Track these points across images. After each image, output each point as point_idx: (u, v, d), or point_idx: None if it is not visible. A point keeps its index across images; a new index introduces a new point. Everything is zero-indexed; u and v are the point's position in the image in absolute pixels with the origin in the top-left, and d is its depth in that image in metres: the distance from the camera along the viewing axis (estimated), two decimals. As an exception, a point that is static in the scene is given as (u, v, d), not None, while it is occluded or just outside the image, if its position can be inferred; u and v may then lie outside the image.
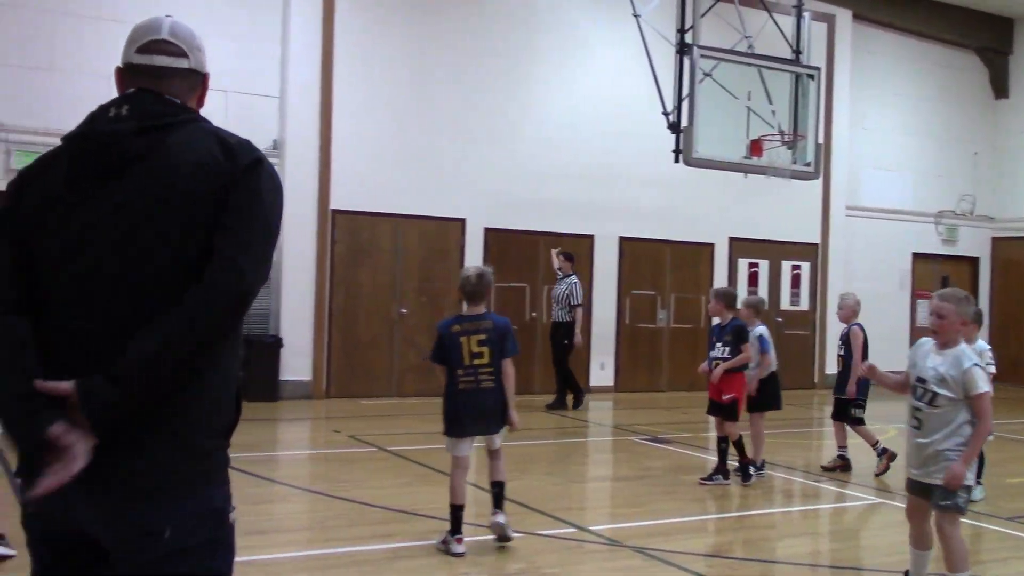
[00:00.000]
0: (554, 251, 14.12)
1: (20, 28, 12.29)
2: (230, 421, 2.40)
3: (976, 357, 5.12)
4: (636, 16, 12.75)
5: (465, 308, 6.41)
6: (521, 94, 15.18)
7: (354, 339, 14.00)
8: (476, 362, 6.14)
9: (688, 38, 12.20)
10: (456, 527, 6.07)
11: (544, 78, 15.36)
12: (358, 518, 7.03)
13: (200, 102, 2.60)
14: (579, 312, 13.48)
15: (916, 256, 19.48)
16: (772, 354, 8.92)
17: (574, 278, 13.58)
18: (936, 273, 19.83)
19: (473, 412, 6.17)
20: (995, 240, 20.34)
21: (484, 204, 14.81)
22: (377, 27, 14.17)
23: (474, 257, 14.81)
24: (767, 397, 8.93)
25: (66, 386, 2.14)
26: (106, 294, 2.22)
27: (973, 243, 20.17)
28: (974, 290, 20.12)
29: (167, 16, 2.57)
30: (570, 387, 13.58)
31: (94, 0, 12.66)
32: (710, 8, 12.64)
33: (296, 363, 13.54)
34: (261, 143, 13.54)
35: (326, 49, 13.74)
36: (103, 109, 2.38)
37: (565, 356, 13.51)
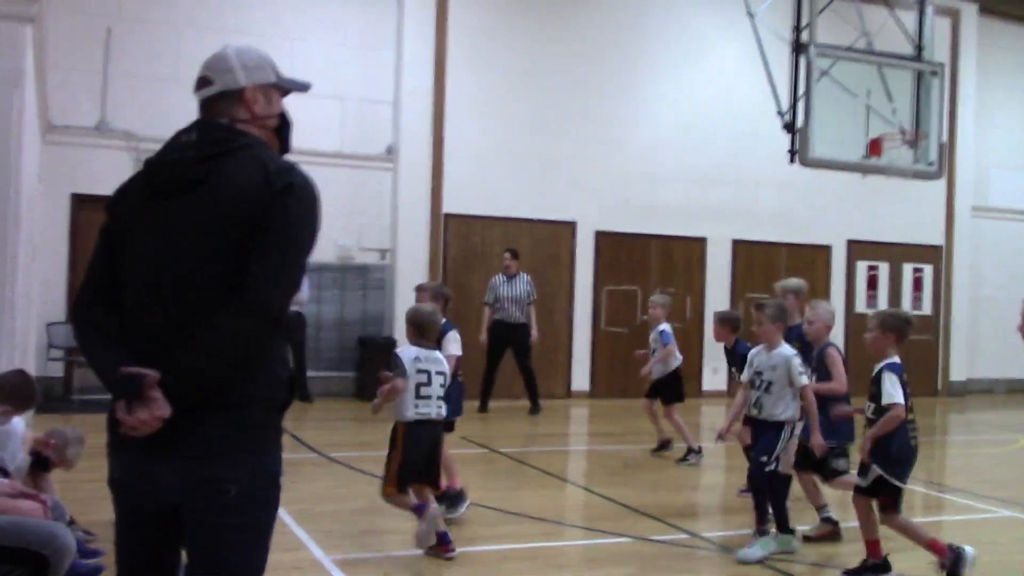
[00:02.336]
0: (507, 253, 13.28)
1: (149, 42, 12.87)
2: (283, 400, 2.77)
3: None
4: (750, 15, 12.53)
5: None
6: (633, 95, 15.11)
7: (465, 341, 14.08)
8: None
9: (804, 36, 11.94)
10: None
11: (657, 79, 15.26)
12: (470, 519, 7.09)
13: (253, 112, 2.86)
14: (533, 309, 13.22)
15: (1047, 259, 18.60)
16: (674, 347, 9.67)
17: (526, 276, 13.24)
18: (1069, 277, 18.90)
19: None
20: None
21: (595, 207, 14.79)
22: (489, 32, 14.31)
23: (585, 260, 14.80)
24: (678, 390, 9.74)
25: (152, 375, 2.57)
26: (168, 297, 2.65)
27: (1110, 245, 19.14)
28: (1111, 294, 19.11)
29: (226, 46, 2.89)
30: (533, 390, 13.04)
31: (216, 13, 13.16)
32: (827, 5, 12.33)
33: (409, 364, 13.73)
34: (376, 148, 13.93)
35: (439, 54, 13.95)
36: (177, 135, 2.79)
37: (530, 356, 13.25)
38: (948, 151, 14.98)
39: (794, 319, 7.35)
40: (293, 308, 12.90)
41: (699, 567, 6.21)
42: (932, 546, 5.77)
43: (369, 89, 14.01)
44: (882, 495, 5.73)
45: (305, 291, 13.05)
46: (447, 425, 6.55)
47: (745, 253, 15.82)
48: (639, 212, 15.05)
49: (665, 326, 9.89)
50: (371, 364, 13.44)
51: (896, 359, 5.75)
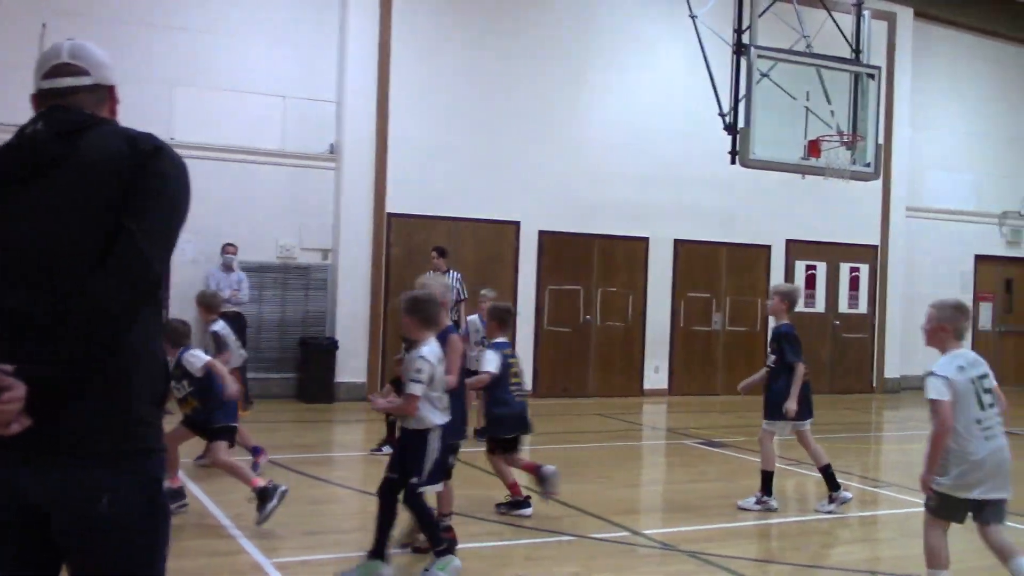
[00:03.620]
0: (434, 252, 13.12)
1: (85, 38, 12.60)
2: (162, 390, 2.57)
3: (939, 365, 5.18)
4: (693, 17, 12.67)
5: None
6: (576, 96, 15.17)
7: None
8: None
9: (745, 38, 12.09)
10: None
11: (599, 79, 15.33)
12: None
13: (112, 112, 2.74)
14: (463, 307, 13.19)
15: (979, 258, 19.08)
16: (233, 351, 8.62)
17: (456, 274, 13.15)
18: (999, 275, 19.41)
19: None
20: (1062, 242, 19.84)
21: (539, 207, 14.83)
22: (434, 31, 14.27)
23: (528, 259, 14.83)
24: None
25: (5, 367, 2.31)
26: (33, 276, 2.43)
27: (1039, 245, 19.70)
28: (1040, 293, 19.67)
29: (68, 40, 2.76)
30: None
31: (155, 9, 12.97)
32: (768, 8, 12.51)
33: (351, 365, 13.67)
34: (318, 147, 13.80)
35: (383, 53, 13.87)
36: (23, 126, 2.59)
37: None
38: (884, 152, 15.27)
39: (781, 319, 7.78)
40: (232, 308, 12.76)
41: (640, 564, 6.25)
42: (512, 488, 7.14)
43: (312, 87, 13.88)
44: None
45: (245, 291, 12.90)
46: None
47: (687, 253, 15.97)
48: (582, 212, 15.11)
49: (218, 326, 8.52)
50: (313, 365, 13.35)
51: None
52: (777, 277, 16.60)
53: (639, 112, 15.41)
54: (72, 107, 2.62)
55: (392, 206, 13.95)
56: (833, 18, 13.18)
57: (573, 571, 5.89)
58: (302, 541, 6.37)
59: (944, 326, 5.30)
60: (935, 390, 5.09)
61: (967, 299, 18.70)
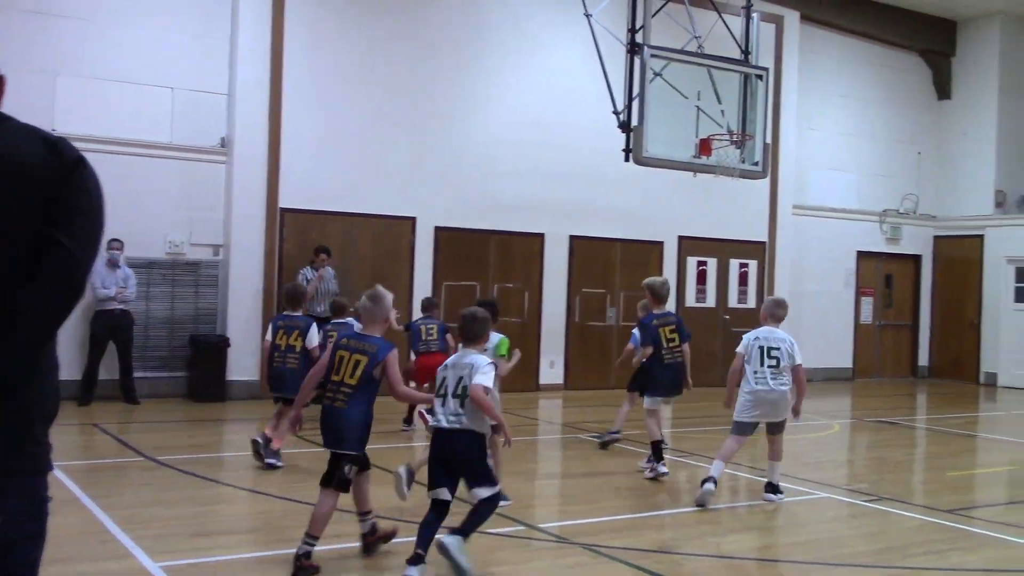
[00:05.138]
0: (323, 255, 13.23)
1: None
2: (55, 409, 2.54)
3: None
4: (587, 15, 12.79)
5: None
6: (474, 91, 15.17)
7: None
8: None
9: (639, 38, 12.27)
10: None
11: (496, 76, 15.36)
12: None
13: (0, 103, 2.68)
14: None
15: (861, 254, 19.80)
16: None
17: (331, 271, 13.23)
18: (880, 271, 20.19)
19: None
20: (937, 239, 20.75)
21: (435, 203, 14.78)
22: (327, 24, 14.07)
23: (424, 256, 14.76)
24: None
25: None
26: None
27: (916, 241, 20.55)
28: (916, 287, 20.54)
29: None
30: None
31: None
32: (660, 8, 12.71)
33: (244, 363, 13.40)
34: (209, 140, 13.49)
35: (275, 46, 13.61)
36: None
37: None
38: (772, 152, 15.71)
39: (650, 311, 9.07)
40: (119, 306, 12.39)
41: (536, 557, 6.29)
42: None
43: (202, 79, 13.55)
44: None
45: (131, 287, 12.54)
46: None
47: (582, 249, 16.13)
48: (478, 208, 15.13)
49: None
50: (204, 363, 13.05)
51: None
52: (669, 273, 16.91)
53: (535, 109, 15.49)
54: None
55: (285, 201, 13.71)
56: (723, 20, 13.48)
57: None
58: (191, 543, 6.22)
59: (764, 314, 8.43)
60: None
61: (850, 294, 19.42)
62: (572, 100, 15.49)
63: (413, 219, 14.70)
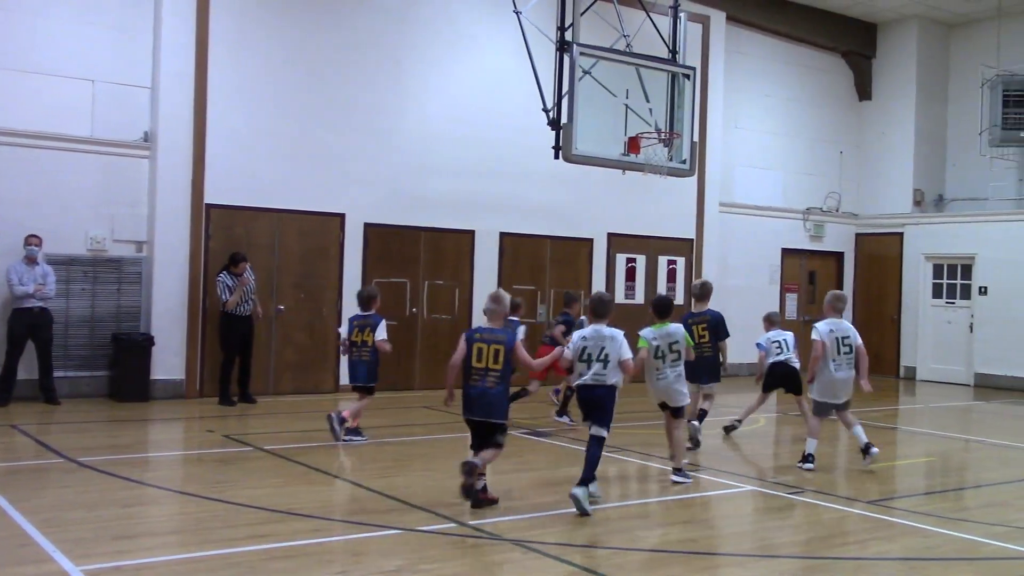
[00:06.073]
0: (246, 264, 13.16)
1: None
2: None
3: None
4: (517, 12, 12.80)
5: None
6: (402, 87, 15.08)
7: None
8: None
9: (568, 36, 12.31)
10: None
11: (426, 72, 15.29)
12: (233, 519, 6.87)
13: None
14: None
15: (785, 251, 20.17)
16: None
17: (250, 271, 13.18)
18: (803, 268, 20.59)
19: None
20: (859, 236, 21.24)
21: (364, 199, 14.66)
22: (254, 17, 13.86)
23: (354, 252, 14.63)
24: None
25: None
26: None
27: (838, 239, 21.01)
28: (838, 284, 20.99)
29: None
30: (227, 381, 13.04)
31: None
32: (589, 6, 12.78)
33: (168, 362, 13.16)
34: (132, 134, 13.21)
35: (200, 38, 13.36)
36: None
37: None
38: (699, 150, 15.90)
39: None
40: (37, 303, 12.07)
41: (466, 554, 6.29)
42: None
43: (125, 72, 13.24)
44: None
45: (51, 285, 12.22)
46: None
47: (512, 246, 16.16)
48: (409, 205, 15.05)
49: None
50: (126, 362, 12.77)
51: None
52: (599, 270, 17.05)
53: (466, 105, 15.47)
54: None
55: (211, 197, 13.47)
56: (652, 19, 13.60)
57: (398, 564, 5.86)
58: (114, 546, 6.08)
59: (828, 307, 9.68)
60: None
61: (775, 290, 19.77)
62: (502, 97, 15.51)
63: (342, 216, 14.56)
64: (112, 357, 12.99)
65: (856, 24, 20.61)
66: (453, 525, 6.87)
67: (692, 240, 18.28)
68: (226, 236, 13.58)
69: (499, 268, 16.04)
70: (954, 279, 19.59)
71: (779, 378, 11.35)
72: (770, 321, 12.05)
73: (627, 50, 13.02)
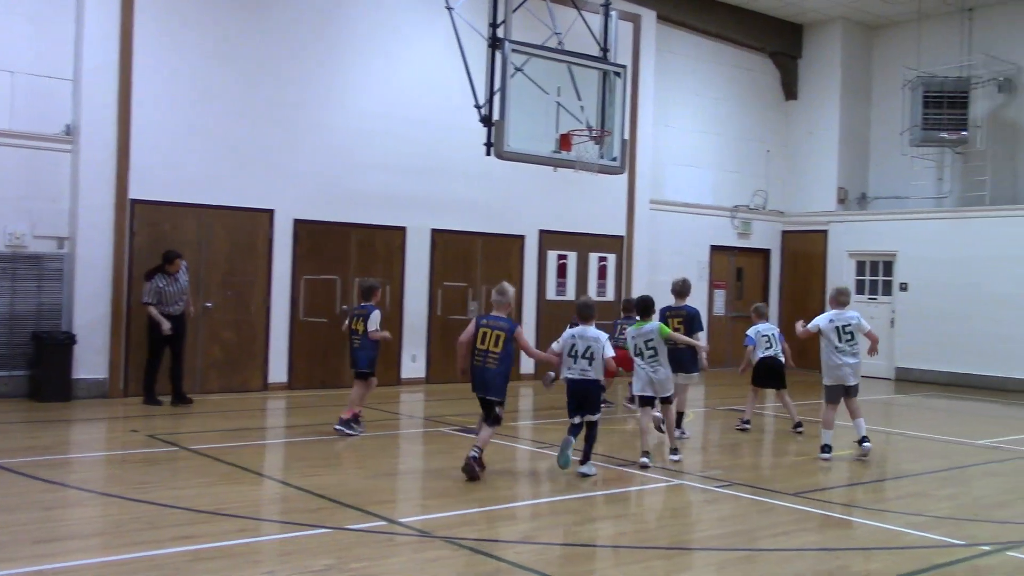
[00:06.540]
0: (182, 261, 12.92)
1: None
2: None
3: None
4: (449, 8, 12.77)
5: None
6: (333, 82, 14.94)
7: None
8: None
9: (500, 32, 12.32)
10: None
11: (356, 67, 15.17)
12: (158, 520, 6.75)
13: None
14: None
15: (714, 248, 20.46)
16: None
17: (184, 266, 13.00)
18: (732, 264, 20.90)
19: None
20: (785, 234, 21.63)
21: (293, 195, 14.50)
22: (181, 8, 13.59)
23: (283, 249, 14.46)
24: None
25: None
26: None
27: (765, 236, 21.38)
28: (765, 280, 21.37)
29: None
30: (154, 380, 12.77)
31: None
32: (521, 3, 12.80)
33: (91, 360, 12.86)
34: (53, 127, 12.87)
35: (125, 29, 13.06)
36: None
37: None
38: (629, 148, 16.04)
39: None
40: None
41: (396, 552, 6.26)
42: None
43: (45, 63, 12.88)
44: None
45: (-32, 282, 11.86)
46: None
47: (443, 242, 16.12)
48: (339, 201, 14.91)
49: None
50: (47, 361, 12.45)
51: None
52: (530, 266, 17.10)
53: (396, 101, 15.38)
54: None
55: (136, 192, 13.19)
56: (583, 17, 13.68)
57: (327, 563, 5.81)
58: (34, 550, 5.93)
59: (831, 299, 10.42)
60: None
61: (704, 287, 20.02)
62: (434, 93, 15.46)
63: (271, 211, 14.38)
64: (32, 356, 12.65)
65: (783, 25, 20.98)
66: (383, 523, 6.83)
67: (623, 237, 18.43)
68: (151, 232, 13.31)
69: (431, 264, 15.99)
70: (876, 275, 20.08)
71: (766, 371, 11.91)
72: (758, 314, 12.43)
73: (559, 47, 13.09)
